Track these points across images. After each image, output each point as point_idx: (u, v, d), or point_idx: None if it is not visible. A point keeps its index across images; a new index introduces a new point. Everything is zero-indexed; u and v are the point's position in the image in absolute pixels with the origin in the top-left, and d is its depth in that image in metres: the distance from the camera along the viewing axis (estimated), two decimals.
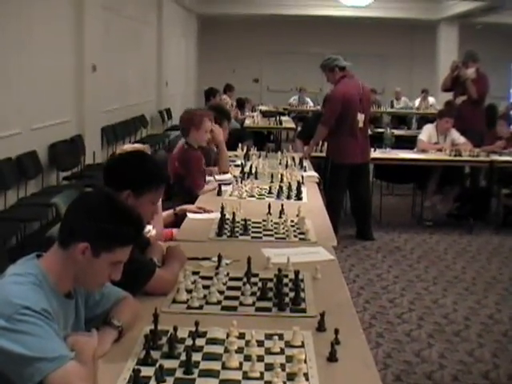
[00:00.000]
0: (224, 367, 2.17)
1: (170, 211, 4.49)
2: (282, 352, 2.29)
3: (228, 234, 3.95)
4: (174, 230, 4.18)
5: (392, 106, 16.97)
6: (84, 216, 2.15)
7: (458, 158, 8.03)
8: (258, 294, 2.86)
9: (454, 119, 8.40)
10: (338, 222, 7.10)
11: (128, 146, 3.98)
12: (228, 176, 5.90)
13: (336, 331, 2.36)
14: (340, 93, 7.28)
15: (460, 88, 9.20)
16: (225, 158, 6.15)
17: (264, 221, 4.22)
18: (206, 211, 4.58)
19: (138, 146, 4.11)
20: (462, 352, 4.70)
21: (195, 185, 5.26)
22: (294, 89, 17.11)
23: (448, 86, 9.54)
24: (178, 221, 4.39)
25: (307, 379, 2.10)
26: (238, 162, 6.55)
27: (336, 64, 7.32)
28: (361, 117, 7.27)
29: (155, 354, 2.23)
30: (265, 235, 3.99)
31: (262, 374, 2.13)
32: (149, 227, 3.59)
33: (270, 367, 2.13)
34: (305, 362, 2.17)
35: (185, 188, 5.19)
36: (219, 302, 2.79)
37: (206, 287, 2.87)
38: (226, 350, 2.25)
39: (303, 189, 5.30)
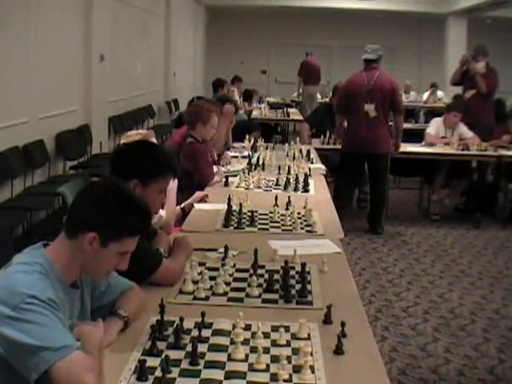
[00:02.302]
0: (230, 359, 2.16)
1: (177, 207, 4.47)
2: (288, 344, 2.28)
3: (235, 225, 3.94)
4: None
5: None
6: (92, 206, 2.14)
7: (465, 152, 8.00)
8: (265, 285, 2.85)
9: (462, 113, 8.37)
10: (344, 213, 7.04)
11: (132, 133, 3.97)
12: (236, 166, 5.94)
13: (342, 324, 2.35)
14: (344, 84, 7.86)
15: (469, 82, 9.16)
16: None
17: (271, 212, 4.21)
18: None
19: (142, 131, 4.10)
20: (468, 347, 4.69)
21: (205, 177, 5.25)
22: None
23: (457, 80, 9.51)
24: (185, 217, 4.35)
25: (313, 372, 2.09)
26: (246, 154, 6.54)
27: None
28: (369, 107, 7.30)
29: (161, 345, 2.23)
30: (271, 227, 3.98)
31: (267, 366, 2.12)
32: (161, 212, 3.60)
33: (276, 359, 2.13)
34: (311, 354, 2.16)
35: (194, 182, 5.16)
36: (225, 294, 2.78)
37: (212, 278, 2.86)
38: (232, 342, 2.25)
39: (310, 181, 5.29)
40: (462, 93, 9.53)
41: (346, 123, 7.72)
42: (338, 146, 7.80)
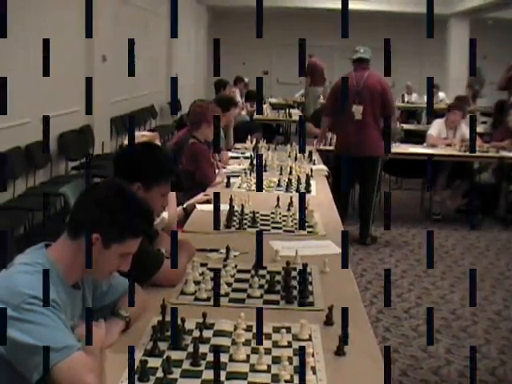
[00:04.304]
0: (231, 359, 2.17)
1: (179, 207, 4.46)
2: (289, 345, 2.29)
3: (236, 226, 3.94)
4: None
5: (403, 101, 16.91)
6: (95, 206, 2.13)
7: (467, 154, 7.99)
8: (266, 286, 2.85)
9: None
10: (344, 215, 6.95)
11: (137, 134, 3.96)
12: (238, 167, 5.94)
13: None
14: (334, 85, 7.82)
15: None
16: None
17: (272, 213, 4.22)
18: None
19: (147, 133, 4.09)
20: (469, 348, 4.67)
21: (207, 178, 5.24)
22: (304, 81, 17.02)
23: (503, 85, 9.63)
24: (187, 216, 4.35)
25: (314, 373, 2.09)
26: (247, 154, 6.53)
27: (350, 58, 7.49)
28: (357, 109, 7.08)
29: (162, 346, 2.23)
30: (273, 228, 3.98)
31: (269, 366, 2.13)
32: (163, 213, 3.60)
33: (277, 360, 2.13)
34: (312, 355, 2.15)
35: (196, 182, 5.16)
36: (227, 294, 2.78)
37: (213, 279, 2.86)
38: (234, 343, 2.25)
39: (312, 182, 5.29)
40: (508, 97, 9.60)
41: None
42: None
